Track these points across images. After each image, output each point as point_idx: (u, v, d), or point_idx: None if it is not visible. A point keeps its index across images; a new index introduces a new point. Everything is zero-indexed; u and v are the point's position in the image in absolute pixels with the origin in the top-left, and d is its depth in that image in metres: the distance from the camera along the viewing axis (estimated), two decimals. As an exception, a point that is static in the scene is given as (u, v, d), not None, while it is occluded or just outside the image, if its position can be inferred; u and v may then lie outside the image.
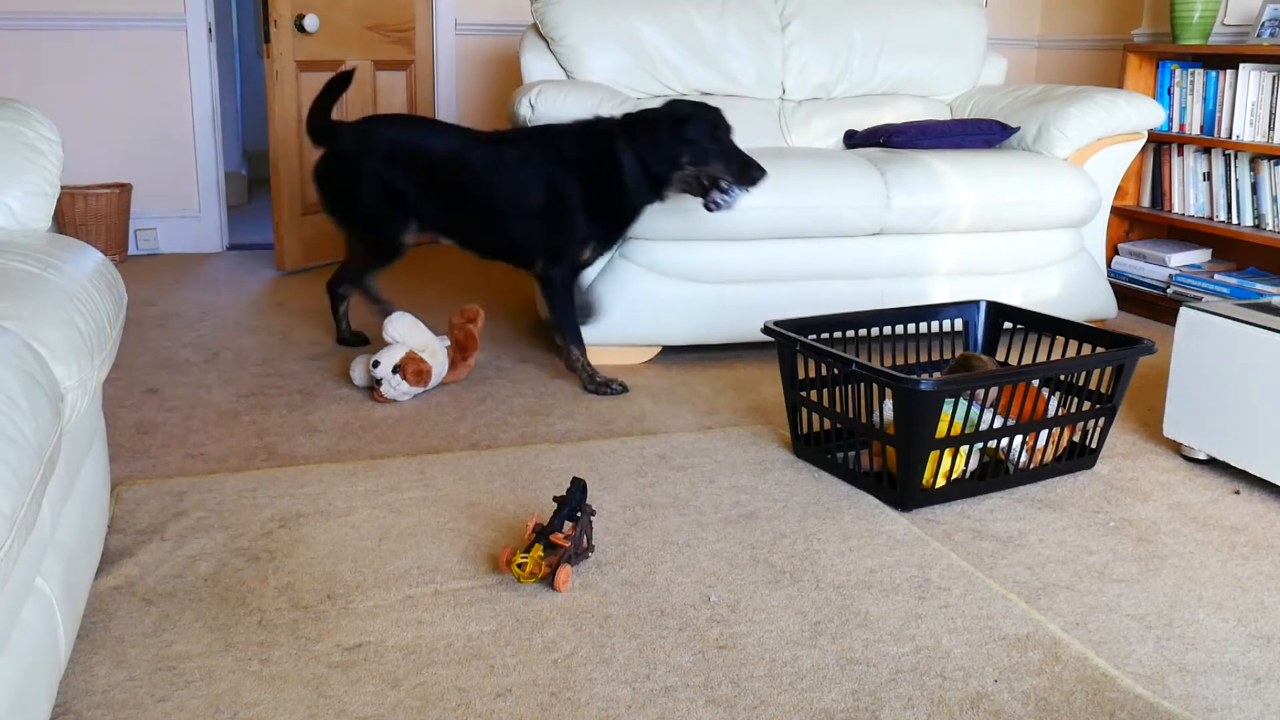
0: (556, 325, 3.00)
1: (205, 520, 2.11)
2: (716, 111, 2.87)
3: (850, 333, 2.66)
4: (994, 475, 2.36)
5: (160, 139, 4.67)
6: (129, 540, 2.02)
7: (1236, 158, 3.87)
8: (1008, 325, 2.80)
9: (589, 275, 3.17)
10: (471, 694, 1.57)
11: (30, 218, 1.88)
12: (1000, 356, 2.87)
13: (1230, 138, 3.88)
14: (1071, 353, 3.10)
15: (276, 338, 3.46)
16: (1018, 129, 3.65)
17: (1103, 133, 3.56)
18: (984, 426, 2.30)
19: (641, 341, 3.21)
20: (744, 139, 3.72)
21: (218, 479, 2.31)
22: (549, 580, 1.88)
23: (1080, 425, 2.47)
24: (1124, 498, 2.35)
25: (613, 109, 3.15)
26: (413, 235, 3.15)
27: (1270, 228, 3.76)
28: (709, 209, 2.85)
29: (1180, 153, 4.08)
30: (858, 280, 3.31)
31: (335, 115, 3.19)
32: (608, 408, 2.85)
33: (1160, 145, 4.15)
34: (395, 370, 2.79)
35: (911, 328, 2.97)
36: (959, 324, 2.97)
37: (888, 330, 2.85)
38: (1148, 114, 3.60)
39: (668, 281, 3.16)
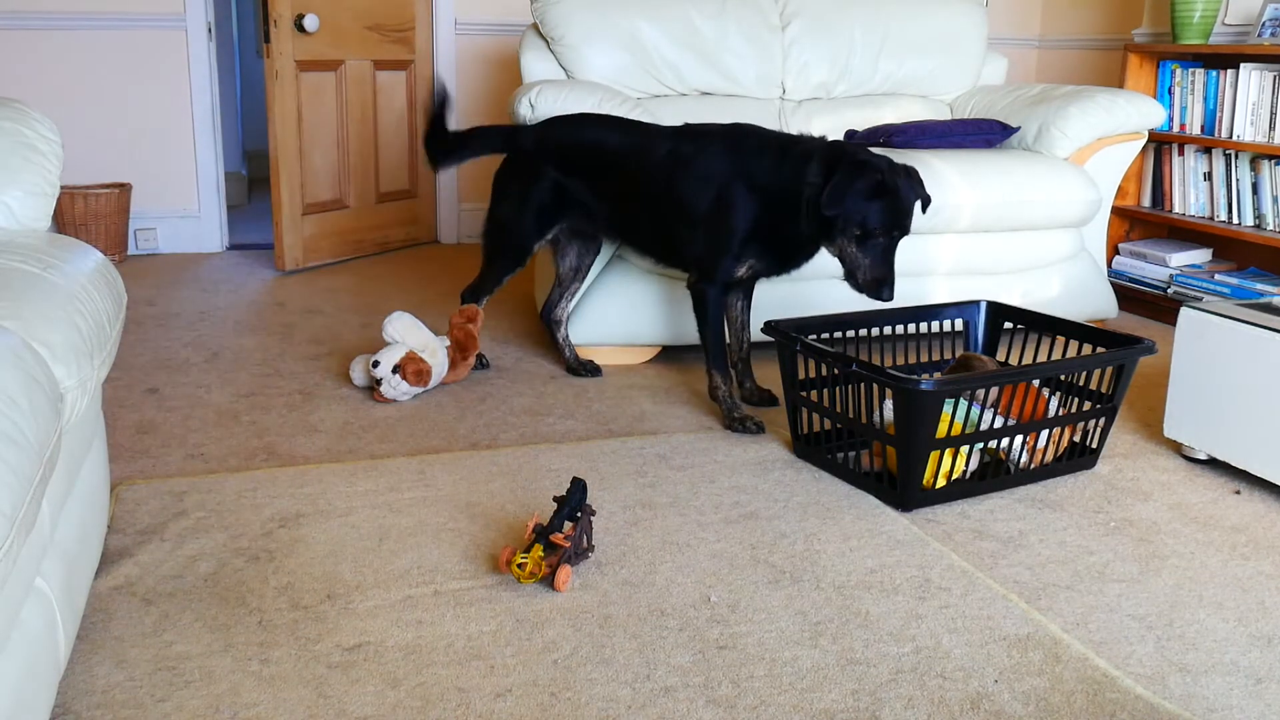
0: (702, 346, 2.77)
1: (205, 520, 2.11)
2: (913, 199, 2.54)
3: (850, 333, 2.66)
4: (994, 475, 2.36)
5: (160, 139, 4.67)
6: (129, 540, 2.02)
7: (1237, 157, 3.86)
8: (1008, 325, 2.80)
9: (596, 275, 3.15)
10: (471, 694, 1.57)
11: (30, 218, 1.88)
12: (1000, 356, 2.87)
13: (1231, 137, 3.88)
14: (1072, 353, 3.10)
15: (276, 338, 3.46)
16: (1018, 129, 3.65)
17: (1103, 132, 3.56)
18: (984, 426, 2.30)
19: (641, 341, 3.21)
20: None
21: (218, 479, 2.31)
22: (549, 580, 1.88)
23: (1081, 425, 2.47)
24: (1124, 498, 2.35)
25: (613, 109, 3.15)
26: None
27: (1271, 228, 3.76)
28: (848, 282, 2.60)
29: (1181, 152, 4.08)
30: (858, 280, 3.31)
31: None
32: (608, 408, 2.85)
33: (1161, 145, 4.15)
34: (395, 370, 2.79)
35: (911, 328, 2.97)
36: (959, 324, 2.97)
37: (888, 330, 2.85)
38: (1148, 114, 3.60)
39: (668, 281, 3.16)
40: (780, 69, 3.86)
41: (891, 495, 2.26)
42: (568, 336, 3.18)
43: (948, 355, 3.09)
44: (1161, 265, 4.03)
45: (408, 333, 2.84)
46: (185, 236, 4.78)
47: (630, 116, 3.04)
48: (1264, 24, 3.90)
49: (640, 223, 2.86)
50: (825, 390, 2.46)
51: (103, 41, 4.52)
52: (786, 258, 2.73)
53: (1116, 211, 4.20)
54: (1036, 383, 2.41)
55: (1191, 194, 4.06)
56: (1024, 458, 2.38)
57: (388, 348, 2.84)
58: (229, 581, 1.88)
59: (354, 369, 2.95)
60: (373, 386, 2.85)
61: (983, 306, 2.81)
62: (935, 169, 3.29)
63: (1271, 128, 3.75)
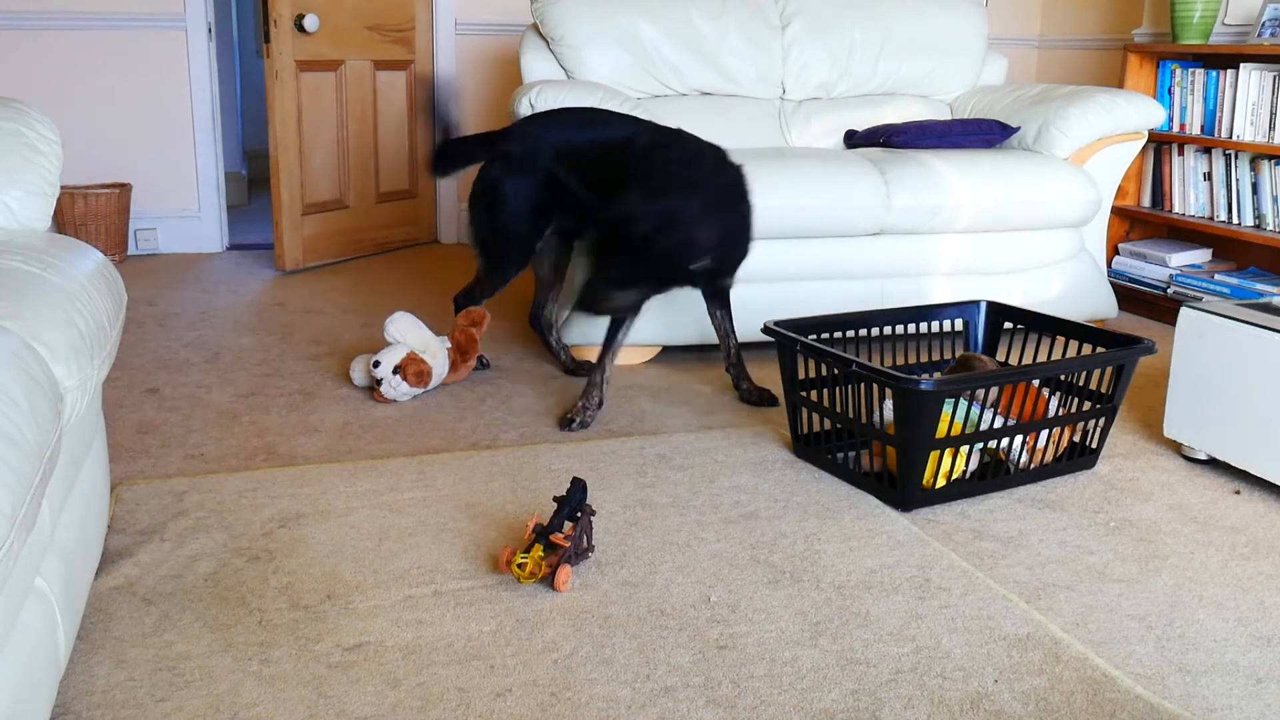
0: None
1: (205, 520, 2.11)
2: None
3: (850, 333, 2.66)
4: (994, 475, 2.36)
5: (160, 139, 4.67)
6: (129, 540, 2.02)
7: (1237, 157, 3.87)
8: (1008, 325, 2.80)
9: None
10: (471, 694, 1.57)
11: (30, 218, 1.88)
12: (1000, 356, 2.87)
13: (1230, 137, 3.88)
14: (1072, 353, 3.10)
15: (276, 338, 3.46)
16: (1018, 129, 3.65)
17: (1103, 132, 3.56)
18: (984, 426, 2.30)
19: (641, 341, 3.21)
20: (744, 139, 3.74)
21: (218, 479, 2.31)
22: (549, 580, 1.88)
23: (1080, 425, 2.47)
24: (1124, 498, 2.35)
25: (614, 108, 3.15)
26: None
27: (1270, 227, 3.76)
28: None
29: (1180, 152, 4.08)
30: (858, 280, 3.31)
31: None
32: (608, 408, 2.85)
33: (1160, 145, 4.15)
34: (395, 371, 2.79)
35: (911, 328, 2.97)
36: (959, 324, 2.97)
37: (888, 330, 2.85)
38: (1148, 114, 3.60)
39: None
40: (780, 69, 3.86)
41: (891, 495, 2.26)
42: (560, 339, 3.19)
43: (948, 355, 3.09)
44: (1161, 265, 4.03)
45: (408, 333, 2.84)
46: (185, 236, 4.78)
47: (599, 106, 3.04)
48: (1264, 24, 3.90)
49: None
50: (825, 390, 2.46)
51: (103, 41, 4.52)
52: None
53: (1116, 211, 4.20)
54: (1036, 383, 2.41)
55: (1191, 194, 4.06)
56: (1024, 458, 2.38)
57: (388, 348, 2.84)
58: (229, 581, 1.88)
59: (354, 369, 2.95)
60: (373, 386, 2.85)
61: (983, 306, 2.81)
62: (935, 169, 3.29)
63: (1271, 128, 3.75)
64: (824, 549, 2.06)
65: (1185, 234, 4.22)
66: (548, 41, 3.59)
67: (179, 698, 1.54)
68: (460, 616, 1.78)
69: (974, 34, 4.08)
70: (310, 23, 4.27)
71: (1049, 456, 2.42)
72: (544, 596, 1.85)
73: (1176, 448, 2.64)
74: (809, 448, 2.50)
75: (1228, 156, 3.90)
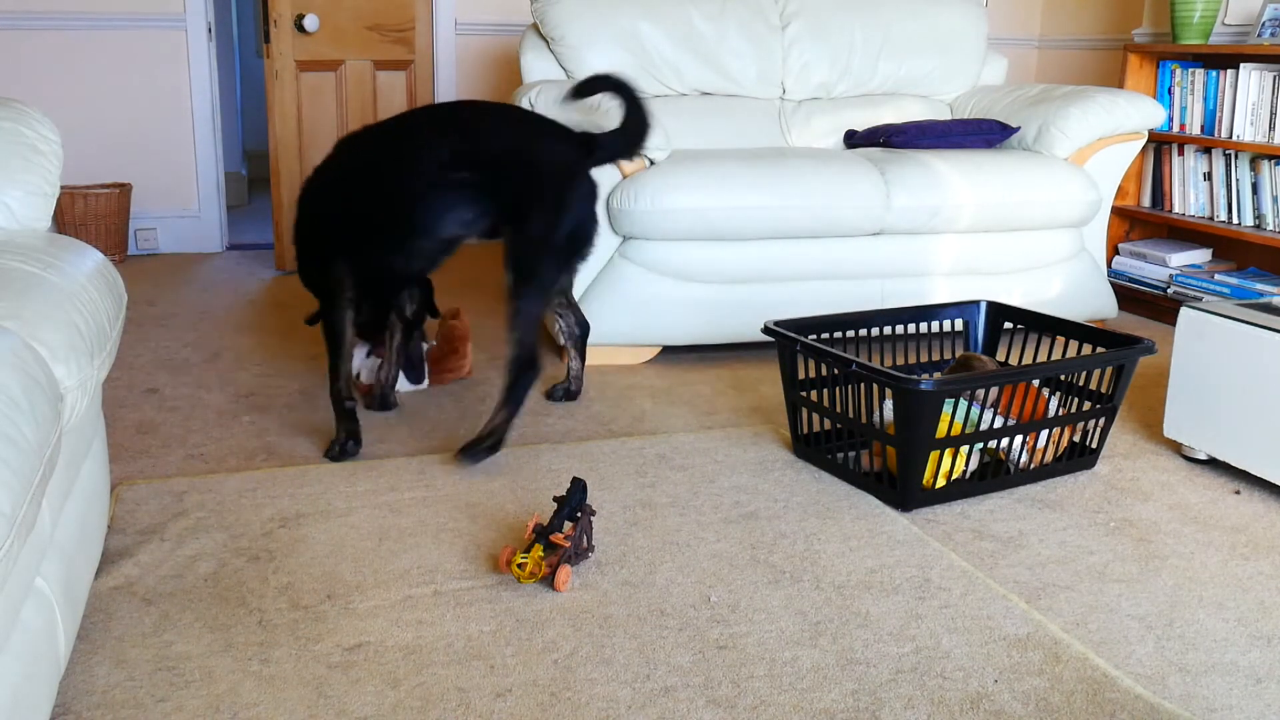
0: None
1: (205, 520, 2.11)
2: None
3: (850, 333, 2.66)
4: (994, 475, 2.36)
5: (160, 139, 4.67)
6: (129, 540, 2.02)
7: (1237, 158, 3.87)
8: (1008, 325, 2.80)
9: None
10: (471, 694, 1.57)
11: (30, 218, 1.88)
12: (1000, 356, 2.87)
13: (1230, 138, 3.88)
14: (1072, 353, 3.10)
15: (276, 338, 3.46)
16: (1018, 129, 3.65)
17: (1103, 132, 3.56)
18: (984, 426, 2.30)
19: (641, 341, 3.21)
20: (744, 139, 3.74)
21: (218, 479, 2.31)
22: (549, 580, 1.88)
23: (1080, 425, 2.47)
24: (1124, 498, 2.35)
25: (613, 109, 3.14)
26: None
27: (1271, 228, 3.76)
28: None
29: (1180, 153, 4.08)
30: (858, 280, 3.31)
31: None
32: (608, 408, 2.85)
33: (1160, 145, 4.15)
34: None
35: (911, 328, 2.97)
36: (959, 324, 2.97)
37: (888, 330, 2.85)
38: (1148, 114, 3.60)
39: (668, 281, 3.16)
40: (780, 69, 3.86)
41: (891, 495, 2.26)
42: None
43: (948, 355, 3.09)
44: (1161, 265, 4.03)
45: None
46: (185, 236, 4.78)
47: (605, 116, 3.02)
48: (1264, 24, 3.90)
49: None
50: (825, 390, 2.46)
51: (103, 41, 4.52)
52: None
53: (1116, 211, 4.20)
54: (1036, 383, 2.41)
55: (1191, 194, 4.06)
56: (1024, 458, 2.38)
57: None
58: (229, 581, 1.88)
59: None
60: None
61: (983, 306, 2.81)
62: (935, 169, 3.29)
63: (1271, 128, 3.75)
64: (824, 549, 2.06)
65: (1185, 234, 4.22)
66: (548, 41, 3.59)
67: (179, 698, 1.54)
68: (460, 616, 1.78)
69: (974, 34, 4.08)
70: (310, 23, 4.27)
71: (1049, 456, 2.42)
72: (544, 596, 1.85)
73: (1176, 448, 2.64)
74: (809, 448, 2.50)
75: (1228, 156, 3.90)
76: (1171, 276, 3.98)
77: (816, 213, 3.15)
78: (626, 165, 3.06)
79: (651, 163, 3.17)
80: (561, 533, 1.93)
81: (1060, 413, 2.43)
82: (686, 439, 2.62)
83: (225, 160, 5.00)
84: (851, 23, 3.92)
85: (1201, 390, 2.47)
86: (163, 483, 2.29)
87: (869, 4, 3.97)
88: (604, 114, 3.04)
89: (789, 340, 2.46)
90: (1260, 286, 3.69)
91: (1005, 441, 2.35)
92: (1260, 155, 3.78)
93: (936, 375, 2.33)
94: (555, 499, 1.98)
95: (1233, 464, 2.42)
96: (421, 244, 2.48)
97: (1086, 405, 2.47)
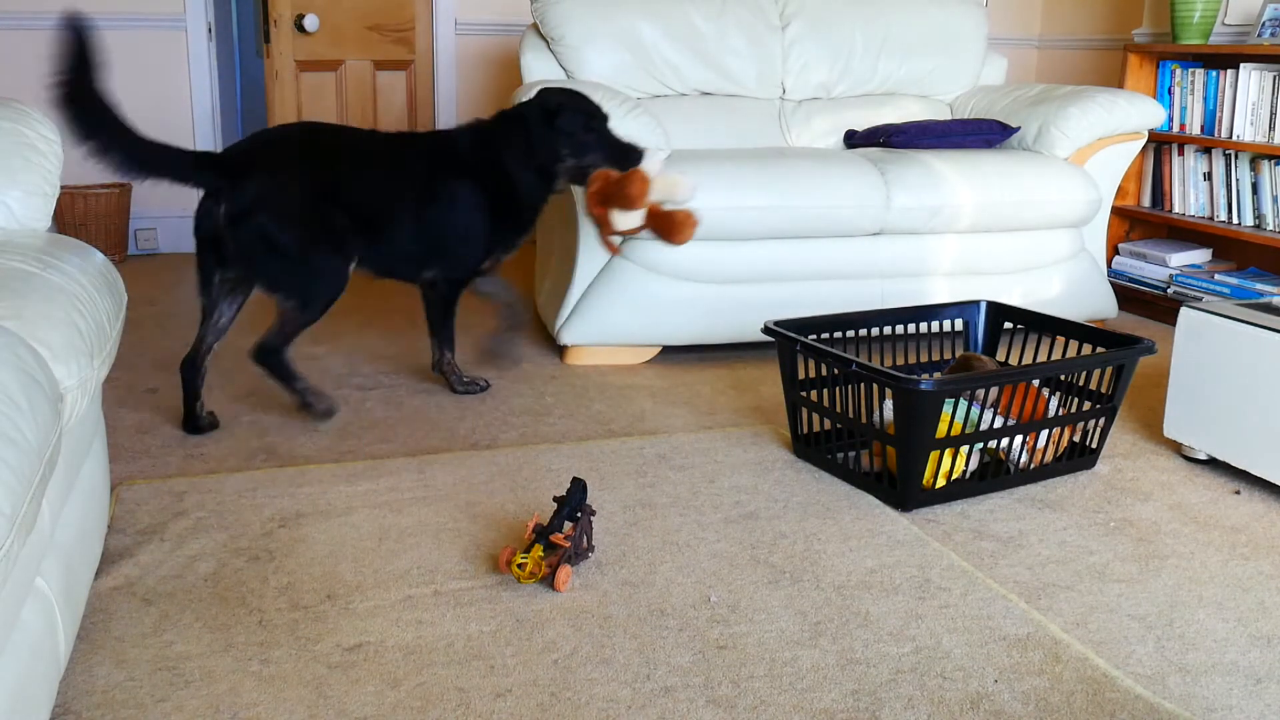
0: (444, 331, 2.91)
1: (205, 520, 2.11)
2: (586, 99, 2.78)
3: (850, 333, 2.66)
4: (994, 475, 2.36)
5: (160, 139, 4.65)
6: (129, 540, 2.02)
7: (1237, 158, 3.87)
8: (1008, 325, 2.80)
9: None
10: (471, 694, 1.57)
11: (30, 218, 1.88)
12: (1000, 356, 2.87)
13: (1230, 137, 3.88)
14: (1072, 353, 3.10)
15: (276, 338, 3.45)
16: (1018, 129, 3.65)
17: (1103, 132, 3.56)
18: (984, 426, 2.30)
19: (641, 341, 3.21)
20: (744, 139, 3.74)
21: (218, 479, 2.31)
22: (549, 580, 1.88)
23: (1080, 425, 2.47)
24: (1124, 498, 2.35)
25: (613, 109, 3.14)
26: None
27: (1271, 228, 3.76)
28: None
29: (1180, 152, 4.08)
30: (858, 280, 3.31)
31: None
32: (608, 408, 2.85)
33: (1160, 145, 4.15)
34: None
35: (911, 328, 2.97)
36: (959, 324, 2.97)
37: (888, 330, 2.85)
38: (1148, 114, 3.60)
39: (668, 281, 3.16)
40: (780, 69, 3.86)
41: (891, 495, 2.26)
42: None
43: (948, 355, 3.09)
44: (1161, 265, 4.03)
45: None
46: (185, 236, 4.77)
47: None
48: (1264, 24, 3.90)
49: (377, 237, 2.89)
50: (825, 390, 2.46)
51: (103, 41, 4.50)
52: (517, 231, 2.88)
53: (1116, 211, 4.20)
54: (1036, 383, 2.41)
55: (1191, 194, 4.06)
56: (1024, 458, 2.38)
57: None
58: (229, 581, 1.88)
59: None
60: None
61: (983, 306, 2.81)
62: (935, 169, 3.29)
63: (1271, 128, 3.75)
64: (824, 549, 2.06)
65: (1185, 234, 4.22)
66: (548, 41, 3.59)
67: (179, 698, 1.54)
68: (460, 616, 1.78)
69: (974, 34, 4.08)
70: (310, 23, 4.27)
71: (1049, 456, 2.42)
72: (544, 596, 1.85)
73: (1176, 448, 2.64)
74: (809, 448, 2.50)
75: (1228, 156, 3.90)
76: (1171, 276, 3.98)
77: (816, 213, 3.15)
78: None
79: (651, 163, 3.17)
80: (561, 533, 1.93)
81: (1060, 413, 2.43)
82: (686, 439, 2.62)
83: (225, 160, 4.98)
84: (851, 23, 3.92)
85: (1201, 390, 2.47)
86: (163, 483, 2.29)
87: (869, 4, 3.97)
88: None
89: (789, 340, 2.46)
90: (1260, 286, 3.69)
91: (1005, 441, 2.35)
92: (1260, 155, 3.78)
93: (936, 375, 2.33)
94: (555, 499, 1.98)
95: (1233, 464, 2.42)
96: None
97: (1086, 405, 2.47)
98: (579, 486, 1.97)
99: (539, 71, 3.57)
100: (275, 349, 2.56)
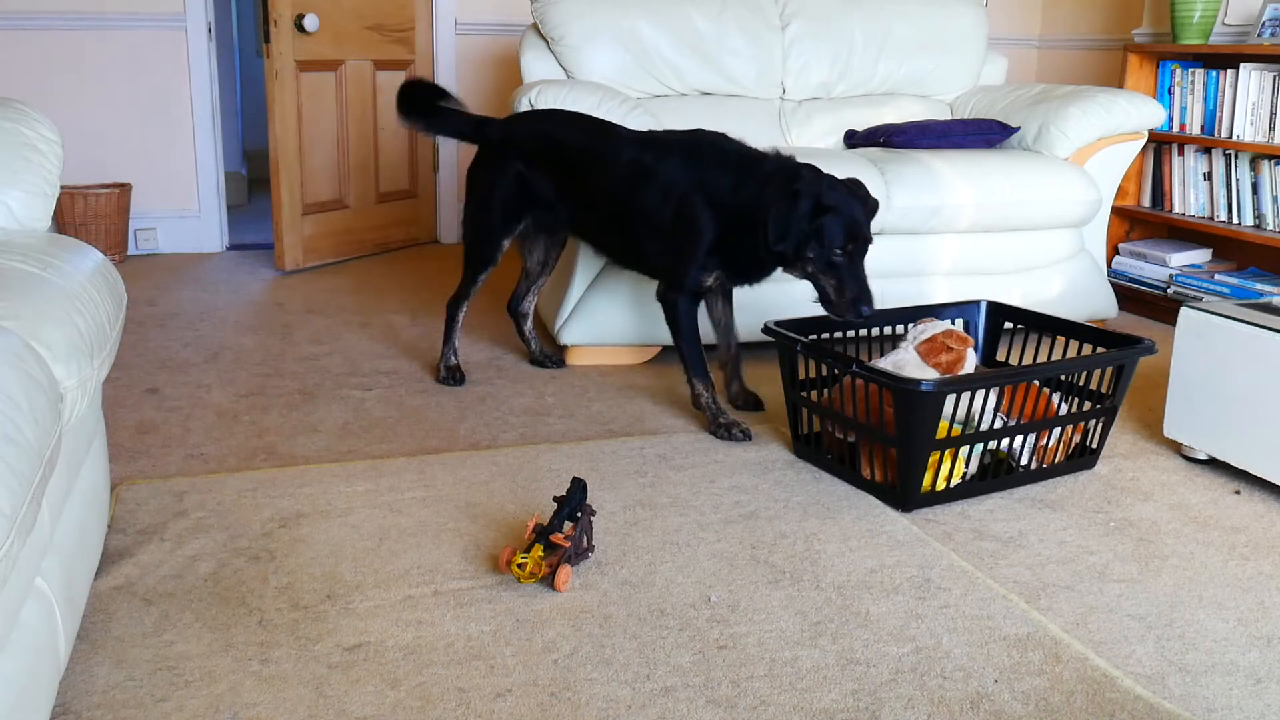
0: (679, 355, 2.74)
1: (205, 520, 2.11)
2: (861, 210, 2.48)
3: (850, 333, 2.66)
4: (994, 475, 2.36)
5: (160, 139, 4.67)
6: (129, 540, 2.02)
7: (1237, 157, 3.86)
8: (1008, 325, 2.80)
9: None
10: (471, 694, 1.57)
11: (30, 218, 1.88)
12: (1000, 356, 2.87)
13: (1231, 137, 3.88)
14: (1072, 353, 3.10)
15: (276, 338, 3.46)
16: (1018, 129, 3.65)
17: (1103, 132, 3.55)
18: (984, 426, 2.30)
19: (641, 341, 3.21)
20: (744, 139, 3.73)
21: (218, 479, 2.31)
22: (549, 580, 1.88)
23: (1081, 425, 2.47)
24: (1124, 498, 2.35)
25: (613, 109, 3.14)
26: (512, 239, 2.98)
27: (1271, 228, 3.76)
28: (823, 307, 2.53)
29: (1180, 152, 4.08)
30: (858, 280, 3.31)
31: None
32: (608, 408, 2.85)
33: (1161, 145, 4.15)
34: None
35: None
36: (959, 324, 2.96)
37: (888, 330, 2.85)
38: (1148, 114, 3.60)
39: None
40: (780, 69, 3.86)
41: (892, 495, 2.26)
42: (533, 329, 3.22)
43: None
44: (1161, 265, 4.03)
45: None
46: (185, 236, 4.78)
47: (605, 116, 3.02)
48: (1264, 24, 3.90)
49: (604, 227, 2.83)
50: (825, 390, 2.46)
51: (103, 41, 4.52)
52: (751, 272, 2.66)
53: (1116, 211, 4.20)
54: (1036, 383, 2.41)
55: (1191, 194, 4.06)
56: (1030, 461, 2.37)
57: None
58: (229, 581, 1.88)
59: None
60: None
61: (983, 306, 2.81)
62: (935, 169, 3.29)
63: (1271, 128, 3.75)
64: (824, 549, 2.06)
65: (1185, 234, 4.22)
66: (548, 41, 3.59)
67: (179, 698, 1.54)
68: (460, 616, 1.78)
69: (974, 34, 4.08)
70: (310, 23, 4.27)
71: (1059, 457, 2.41)
72: (544, 596, 1.85)
73: (1176, 448, 2.63)
74: (809, 448, 2.50)
75: (1228, 156, 3.90)
76: (1171, 276, 3.98)
77: (816, 213, 3.15)
78: None
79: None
80: (561, 533, 1.93)
81: (1064, 413, 2.42)
82: (686, 439, 2.62)
83: (225, 160, 5.00)
84: (851, 23, 3.92)
85: (1201, 390, 2.47)
86: (163, 483, 2.29)
87: (869, 4, 3.97)
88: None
89: (789, 340, 2.46)
90: (1260, 286, 3.68)
91: (1006, 441, 2.34)
92: (1260, 155, 3.78)
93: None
94: (555, 499, 1.98)
95: (1233, 464, 2.42)
96: None
97: (1087, 405, 2.47)
98: (579, 486, 1.97)
99: (539, 71, 3.57)
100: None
